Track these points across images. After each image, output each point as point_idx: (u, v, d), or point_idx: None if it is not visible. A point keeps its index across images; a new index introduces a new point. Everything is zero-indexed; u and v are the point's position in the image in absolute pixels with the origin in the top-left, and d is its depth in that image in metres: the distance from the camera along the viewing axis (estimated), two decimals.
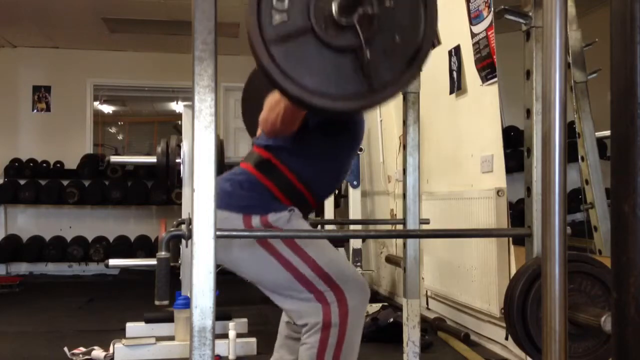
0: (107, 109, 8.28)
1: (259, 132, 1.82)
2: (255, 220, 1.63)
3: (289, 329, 1.85)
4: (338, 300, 1.60)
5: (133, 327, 3.31)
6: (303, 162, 1.70)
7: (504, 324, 2.72)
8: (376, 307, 4.05)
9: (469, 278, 3.20)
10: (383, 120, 4.86)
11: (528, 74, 1.44)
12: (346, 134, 1.76)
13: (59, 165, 6.55)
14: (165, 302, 1.47)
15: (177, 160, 3.53)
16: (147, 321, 3.34)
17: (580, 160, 2.26)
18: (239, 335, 3.07)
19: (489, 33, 3.02)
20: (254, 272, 1.68)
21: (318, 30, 1.08)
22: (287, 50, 1.07)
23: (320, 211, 4.76)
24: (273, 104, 1.53)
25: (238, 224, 1.62)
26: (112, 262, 3.46)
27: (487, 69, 3.08)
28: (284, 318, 1.90)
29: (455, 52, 3.46)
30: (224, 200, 1.62)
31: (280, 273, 1.61)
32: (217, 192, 1.67)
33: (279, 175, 1.68)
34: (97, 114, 7.33)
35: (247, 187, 1.67)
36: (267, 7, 1.06)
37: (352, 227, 4.71)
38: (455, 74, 3.48)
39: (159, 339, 3.09)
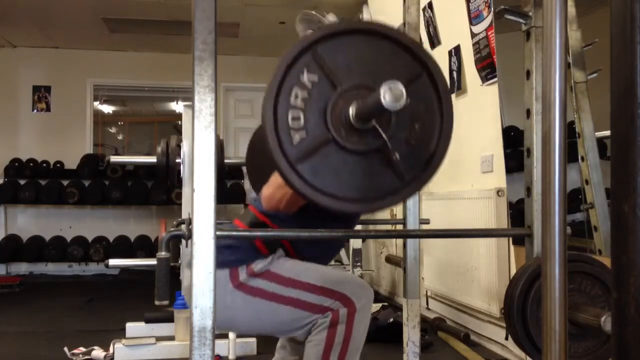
0: (107, 109, 8.28)
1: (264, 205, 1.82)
2: (242, 272, 1.62)
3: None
4: (345, 305, 1.61)
5: (133, 327, 3.31)
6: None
7: (504, 324, 2.72)
8: (376, 307, 4.05)
9: (469, 278, 3.20)
10: None
11: (528, 74, 1.44)
12: (344, 216, 1.76)
13: (59, 165, 6.55)
14: (165, 302, 1.47)
15: (177, 160, 3.52)
16: (147, 321, 3.34)
17: (580, 160, 2.27)
18: (239, 335, 3.07)
19: (489, 33, 3.02)
20: (255, 322, 1.66)
21: (339, 139, 1.08)
22: (312, 165, 1.07)
23: None
24: (281, 183, 1.51)
25: (224, 281, 1.60)
26: (112, 262, 3.46)
27: (487, 69, 3.08)
28: None
29: (455, 52, 3.46)
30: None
31: (281, 312, 1.60)
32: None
33: (274, 240, 1.68)
34: (97, 114, 7.34)
35: (237, 244, 1.66)
36: (284, 129, 1.06)
37: None
38: (455, 74, 3.48)
39: (159, 339, 3.09)
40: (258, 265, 1.63)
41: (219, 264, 1.60)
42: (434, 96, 1.14)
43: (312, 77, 1.08)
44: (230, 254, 1.64)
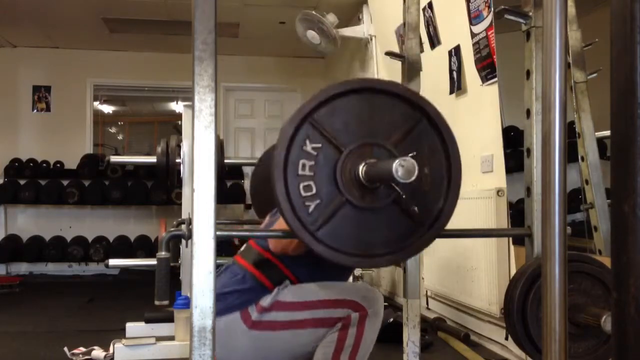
0: (107, 109, 8.28)
1: (267, 217, 1.81)
2: (253, 312, 1.63)
3: None
4: (356, 311, 1.62)
5: (133, 327, 3.30)
6: (302, 267, 1.70)
7: (504, 324, 2.72)
8: None
9: (469, 278, 3.20)
10: None
11: (528, 74, 1.44)
12: None
13: (59, 165, 6.55)
14: (165, 302, 1.47)
15: (177, 160, 3.52)
16: (147, 321, 3.34)
17: (580, 160, 2.27)
18: None
19: (489, 33, 3.02)
20: (281, 355, 1.66)
21: (353, 200, 1.10)
22: (332, 229, 1.09)
23: None
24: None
25: (237, 323, 1.61)
26: (112, 262, 3.46)
27: (487, 69, 3.08)
28: None
29: (455, 52, 3.46)
30: (219, 305, 1.59)
31: (301, 335, 1.62)
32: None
33: (277, 272, 1.68)
34: (97, 114, 7.33)
35: (247, 289, 1.66)
36: (298, 199, 1.08)
37: None
38: (455, 74, 3.48)
39: (159, 339, 3.09)
40: (267, 300, 1.63)
41: (228, 309, 1.60)
42: (436, 138, 1.15)
43: (315, 145, 1.10)
44: (236, 297, 1.64)
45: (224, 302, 1.62)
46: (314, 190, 1.08)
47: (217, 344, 1.58)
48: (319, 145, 1.09)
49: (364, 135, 1.11)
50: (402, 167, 0.98)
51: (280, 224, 1.57)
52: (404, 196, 1.10)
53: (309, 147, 1.09)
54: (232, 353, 1.63)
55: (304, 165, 1.09)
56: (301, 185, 1.08)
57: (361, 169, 1.09)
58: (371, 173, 1.07)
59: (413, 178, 0.98)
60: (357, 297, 1.63)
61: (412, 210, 1.12)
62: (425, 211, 1.14)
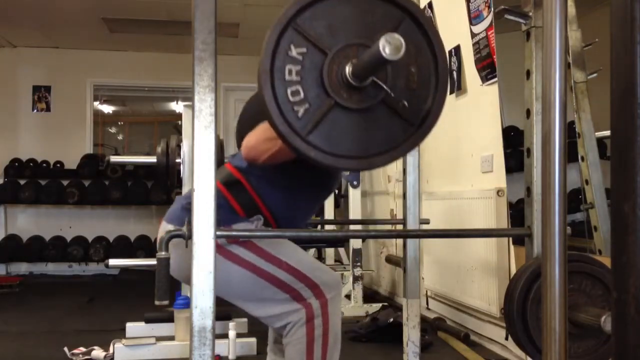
0: (107, 109, 8.28)
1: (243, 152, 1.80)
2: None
3: (276, 333, 1.85)
4: (315, 294, 1.61)
5: (133, 327, 3.31)
6: (274, 192, 1.67)
7: (504, 324, 2.72)
8: (376, 307, 4.06)
9: (469, 278, 3.20)
10: None
11: (528, 74, 1.44)
12: (324, 177, 1.74)
13: (59, 165, 6.55)
14: (165, 302, 1.47)
15: (177, 160, 3.53)
16: (147, 321, 3.34)
17: (580, 160, 2.27)
18: (239, 335, 3.07)
19: (489, 33, 3.02)
20: (224, 287, 1.60)
21: (342, 102, 1.09)
22: (323, 132, 1.08)
23: (320, 211, 4.75)
24: (269, 137, 1.46)
25: None
26: (112, 262, 3.46)
27: (487, 69, 3.08)
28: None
29: (455, 52, 3.46)
30: (185, 219, 1.52)
31: (252, 281, 1.59)
32: (177, 210, 1.66)
33: (247, 197, 1.66)
34: (97, 114, 7.33)
35: None
36: (286, 105, 1.07)
37: (352, 227, 4.70)
38: (455, 74, 3.48)
39: (159, 339, 3.09)
40: (239, 228, 1.60)
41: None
42: (421, 37, 1.15)
43: (300, 49, 1.09)
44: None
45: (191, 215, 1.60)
46: (302, 95, 1.08)
47: (176, 254, 1.55)
48: (304, 50, 1.09)
49: (348, 37, 1.10)
50: (389, 44, 0.97)
51: (263, 130, 1.51)
52: (392, 94, 1.09)
53: (294, 52, 1.08)
54: (185, 267, 1.59)
55: (290, 71, 1.08)
56: (289, 91, 1.07)
57: (347, 69, 1.08)
58: (358, 65, 1.07)
59: (401, 53, 0.97)
60: (319, 280, 1.62)
61: (401, 107, 1.11)
62: (414, 110, 1.13)
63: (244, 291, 1.63)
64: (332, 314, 1.62)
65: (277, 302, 1.61)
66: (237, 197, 1.66)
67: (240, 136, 2.09)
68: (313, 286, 1.61)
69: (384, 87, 1.09)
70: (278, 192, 1.68)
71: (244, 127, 1.84)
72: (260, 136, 1.52)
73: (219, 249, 1.57)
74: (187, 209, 1.57)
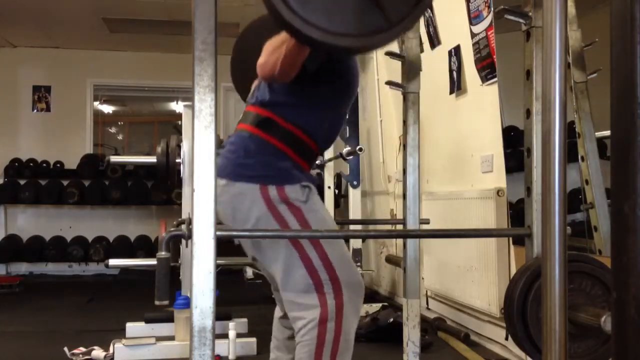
0: (107, 109, 8.28)
1: (254, 84, 1.82)
2: (272, 191, 1.62)
3: (284, 326, 1.85)
4: (335, 293, 1.61)
5: (133, 327, 3.31)
6: (302, 113, 1.69)
7: (504, 324, 2.72)
8: (376, 307, 4.05)
9: (469, 278, 3.20)
10: (383, 120, 4.86)
11: (528, 74, 1.44)
12: (342, 81, 1.75)
13: (59, 165, 6.55)
14: (165, 302, 1.47)
15: (177, 160, 3.53)
16: (147, 321, 3.34)
17: (580, 160, 2.27)
18: (239, 335, 3.07)
19: (489, 33, 3.02)
20: (264, 245, 1.67)
21: None
22: (319, 6, 1.06)
23: None
24: (273, 48, 1.52)
25: (255, 195, 1.62)
26: (112, 262, 3.47)
27: (487, 69, 3.08)
28: (276, 315, 1.89)
29: (455, 52, 3.46)
30: (236, 171, 1.63)
31: (286, 248, 1.61)
32: (224, 162, 1.69)
33: (281, 130, 1.68)
34: (97, 114, 7.33)
35: (254, 151, 1.66)
36: None
37: (352, 227, 4.71)
38: (455, 74, 3.48)
39: (159, 339, 3.09)
40: (292, 193, 1.63)
41: (248, 177, 1.62)
42: None
43: None
44: (257, 166, 1.64)
45: (240, 171, 1.64)
46: None
47: (226, 206, 1.63)
48: None
49: None
50: None
51: (267, 45, 1.55)
52: None
53: None
54: (238, 215, 1.64)
55: None
56: None
57: None
58: None
59: None
60: (343, 278, 1.62)
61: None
62: (394, 8, 1.11)
63: (275, 253, 1.65)
64: (346, 319, 1.62)
65: (300, 283, 1.62)
66: (273, 134, 1.67)
67: (236, 76, 2.12)
68: (335, 281, 1.61)
69: None
70: (307, 112, 1.70)
71: (240, 63, 1.88)
72: (267, 51, 1.55)
73: (269, 204, 1.61)
74: (231, 160, 1.65)
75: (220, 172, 1.68)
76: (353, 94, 1.83)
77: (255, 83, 1.83)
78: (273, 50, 1.52)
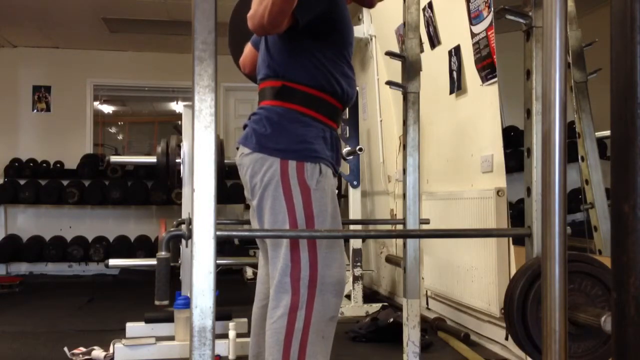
0: (107, 109, 8.28)
1: (245, 52, 1.85)
2: (292, 165, 1.66)
3: (263, 322, 1.85)
4: (310, 280, 1.63)
5: (133, 327, 3.31)
6: (310, 72, 1.71)
7: (504, 324, 2.72)
8: (376, 307, 4.06)
9: (469, 278, 3.20)
10: (383, 120, 4.86)
11: (528, 74, 1.44)
12: (336, 33, 1.76)
13: (59, 165, 6.55)
14: (165, 302, 1.47)
15: (177, 160, 3.53)
16: (147, 321, 3.34)
17: (580, 160, 2.26)
18: (239, 335, 3.07)
19: (489, 33, 3.02)
20: (263, 201, 1.70)
21: None
22: None
23: None
24: None
25: (274, 166, 1.66)
26: (112, 262, 3.46)
27: (487, 69, 3.08)
28: (257, 304, 1.90)
29: (455, 52, 3.46)
30: (261, 143, 1.67)
31: (283, 218, 1.65)
32: (248, 132, 1.72)
33: (299, 93, 1.70)
34: (97, 114, 7.33)
35: (278, 121, 1.69)
36: None
37: (352, 227, 4.70)
38: (455, 74, 3.48)
39: (159, 339, 3.09)
40: (308, 171, 1.67)
41: (271, 149, 1.66)
42: None
43: None
44: (280, 138, 1.67)
45: (264, 142, 1.68)
46: None
47: (246, 167, 1.70)
48: None
49: None
50: None
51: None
52: None
53: None
54: (252, 179, 1.70)
55: None
56: None
57: None
58: None
59: None
60: (321, 270, 1.63)
61: None
62: None
63: (272, 217, 1.67)
64: (317, 310, 1.62)
65: (282, 263, 1.64)
66: (291, 100, 1.70)
67: (233, 46, 2.16)
68: (313, 269, 1.63)
69: None
70: (313, 69, 1.72)
71: (236, 34, 1.91)
72: (255, 2, 1.57)
73: (284, 175, 1.65)
74: (256, 131, 1.69)
75: (244, 141, 1.74)
76: (351, 41, 1.84)
77: (247, 50, 1.86)
78: (261, 0, 1.54)
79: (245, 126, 1.80)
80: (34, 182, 6.28)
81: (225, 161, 3.69)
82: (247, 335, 3.23)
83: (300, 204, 1.65)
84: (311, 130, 1.70)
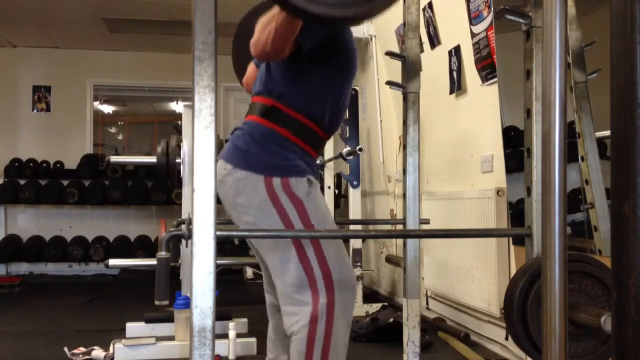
0: (107, 109, 8.28)
1: (248, 71, 1.83)
2: (276, 181, 1.64)
3: (278, 329, 1.85)
4: (327, 290, 1.61)
5: (133, 327, 3.31)
6: (304, 98, 1.70)
7: (504, 324, 2.72)
8: (376, 307, 4.06)
9: (469, 278, 3.20)
10: (383, 120, 4.86)
11: (528, 74, 1.44)
12: (340, 58, 1.75)
13: (59, 165, 6.55)
14: (165, 302, 1.48)
15: (177, 160, 3.53)
16: (147, 321, 3.34)
17: (580, 160, 2.26)
18: (239, 335, 3.07)
19: (489, 33, 3.02)
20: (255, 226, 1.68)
21: None
22: None
23: None
24: (264, 24, 1.53)
25: (259, 185, 1.63)
26: (112, 262, 3.46)
27: (487, 69, 3.08)
28: (270, 310, 1.90)
29: (455, 52, 3.46)
30: (244, 159, 1.65)
31: (286, 242, 1.63)
32: (230, 147, 1.70)
33: (285, 117, 1.69)
34: (97, 114, 7.33)
35: (260, 140, 1.68)
36: None
37: (352, 227, 4.70)
38: (455, 74, 3.48)
39: (159, 339, 3.09)
40: (295, 185, 1.64)
41: (255, 166, 1.64)
42: None
43: None
44: (264, 156, 1.65)
45: (246, 158, 1.66)
46: None
47: (229, 188, 1.66)
48: None
49: None
50: None
51: (258, 25, 1.56)
52: None
53: None
54: (239, 200, 1.66)
55: None
56: None
57: None
58: None
59: None
60: (336, 277, 1.63)
61: None
62: None
63: (272, 243, 1.66)
64: (337, 318, 1.62)
65: (295, 279, 1.62)
66: (278, 122, 1.69)
67: (237, 62, 2.14)
68: (327, 277, 1.62)
69: None
70: (308, 96, 1.71)
71: (240, 49, 1.89)
72: (258, 28, 1.56)
73: (271, 193, 1.62)
74: (238, 148, 1.67)
75: (226, 157, 1.72)
76: (353, 72, 1.82)
77: (250, 69, 1.83)
78: (264, 27, 1.53)
79: (226, 140, 1.79)
80: (34, 182, 6.27)
81: None
82: (247, 335, 3.24)
83: (297, 219, 1.63)
84: (292, 153, 1.68)
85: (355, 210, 4.45)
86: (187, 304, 3.01)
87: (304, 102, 1.69)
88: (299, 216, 1.63)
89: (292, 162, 1.67)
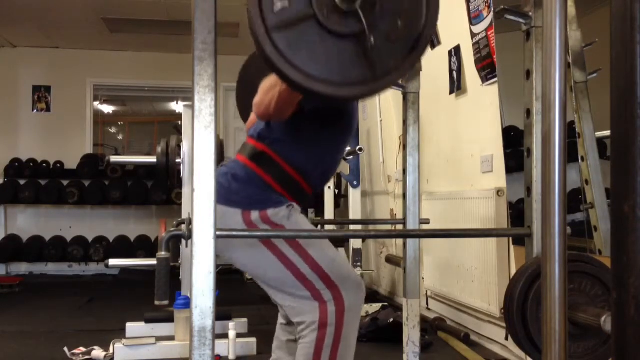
0: (107, 109, 8.29)
1: (251, 117, 1.81)
2: (255, 215, 1.62)
3: (287, 331, 1.85)
4: (335, 299, 1.60)
5: (133, 327, 3.31)
6: (298, 151, 1.69)
7: (504, 324, 2.72)
8: (376, 307, 4.05)
9: (469, 278, 3.20)
10: (383, 120, 4.86)
11: (528, 74, 1.43)
12: (340, 122, 1.75)
13: (59, 165, 6.55)
14: (165, 302, 1.47)
15: (177, 160, 3.53)
16: (147, 321, 3.34)
17: (580, 160, 2.26)
18: (239, 335, 3.07)
19: (489, 33, 3.02)
20: (254, 268, 1.68)
21: (320, 17, 1.07)
22: (289, 37, 1.06)
23: (320, 211, 4.75)
24: (268, 87, 1.53)
25: (237, 219, 1.61)
26: (112, 262, 3.46)
27: (487, 69, 3.08)
28: (280, 320, 1.90)
29: (455, 52, 3.46)
30: (221, 195, 1.61)
31: (280, 271, 1.61)
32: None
33: (274, 166, 1.67)
34: (97, 114, 7.34)
35: (242, 179, 1.66)
36: (267, 3, 1.06)
37: (352, 227, 4.70)
38: (455, 74, 3.48)
39: (159, 339, 3.09)
40: (274, 215, 1.62)
41: (232, 202, 1.62)
42: None
43: None
44: (242, 192, 1.64)
45: (224, 194, 1.62)
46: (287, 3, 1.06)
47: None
48: None
49: None
50: None
51: (263, 84, 1.56)
52: (366, 28, 1.07)
53: None
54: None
55: None
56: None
57: None
58: None
59: None
60: (342, 285, 1.61)
61: (369, 49, 1.08)
62: (382, 60, 1.11)
63: (271, 278, 1.65)
64: (347, 325, 1.61)
65: (298, 297, 1.61)
66: (266, 169, 1.67)
67: (242, 105, 2.12)
68: (332, 287, 1.61)
69: (362, 19, 1.07)
70: (302, 151, 1.69)
71: (244, 92, 1.87)
72: (262, 90, 1.56)
73: (250, 225, 1.61)
74: (220, 184, 1.63)
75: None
76: (350, 135, 1.82)
77: (254, 115, 1.84)
78: (268, 90, 1.53)
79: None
80: (34, 182, 6.28)
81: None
82: (247, 335, 3.24)
83: (284, 244, 1.61)
84: (272, 195, 1.67)
85: (355, 210, 4.46)
86: (187, 304, 3.01)
87: (296, 155, 1.68)
88: (289, 245, 1.61)
89: (270, 195, 1.65)
